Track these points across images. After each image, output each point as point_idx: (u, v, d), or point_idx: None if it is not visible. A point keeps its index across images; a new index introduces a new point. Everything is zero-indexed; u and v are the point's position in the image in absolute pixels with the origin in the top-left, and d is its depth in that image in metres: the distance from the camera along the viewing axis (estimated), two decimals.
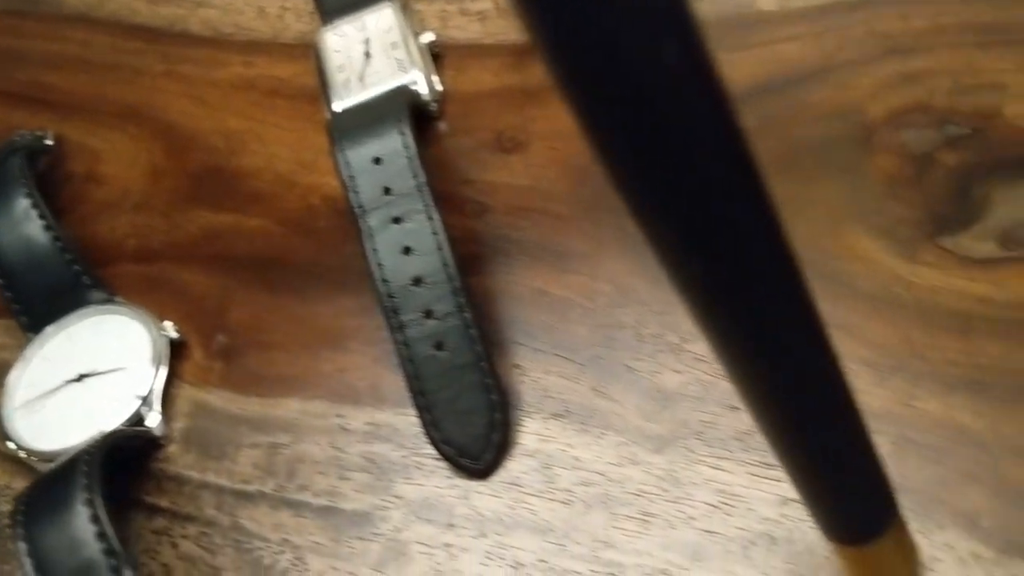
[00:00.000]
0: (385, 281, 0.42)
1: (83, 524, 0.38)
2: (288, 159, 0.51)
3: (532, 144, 0.48)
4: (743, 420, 0.38)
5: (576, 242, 0.45)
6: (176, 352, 0.47)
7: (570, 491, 0.39)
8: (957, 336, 0.38)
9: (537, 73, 0.49)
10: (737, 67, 0.46)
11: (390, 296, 0.42)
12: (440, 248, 0.42)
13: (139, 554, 0.42)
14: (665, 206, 0.19)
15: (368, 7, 0.52)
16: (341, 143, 0.45)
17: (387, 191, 0.43)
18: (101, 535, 0.37)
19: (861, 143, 0.43)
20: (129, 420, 0.44)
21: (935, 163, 0.42)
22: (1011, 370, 0.37)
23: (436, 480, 0.41)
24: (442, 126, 0.50)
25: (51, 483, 0.40)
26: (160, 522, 0.43)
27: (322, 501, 0.41)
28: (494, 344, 0.43)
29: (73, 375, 0.46)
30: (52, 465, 0.42)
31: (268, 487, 0.42)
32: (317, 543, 0.41)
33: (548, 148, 0.47)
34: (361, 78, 0.49)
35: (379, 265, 0.42)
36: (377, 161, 0.44)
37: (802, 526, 0.36)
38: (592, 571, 0.37)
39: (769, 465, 0.37)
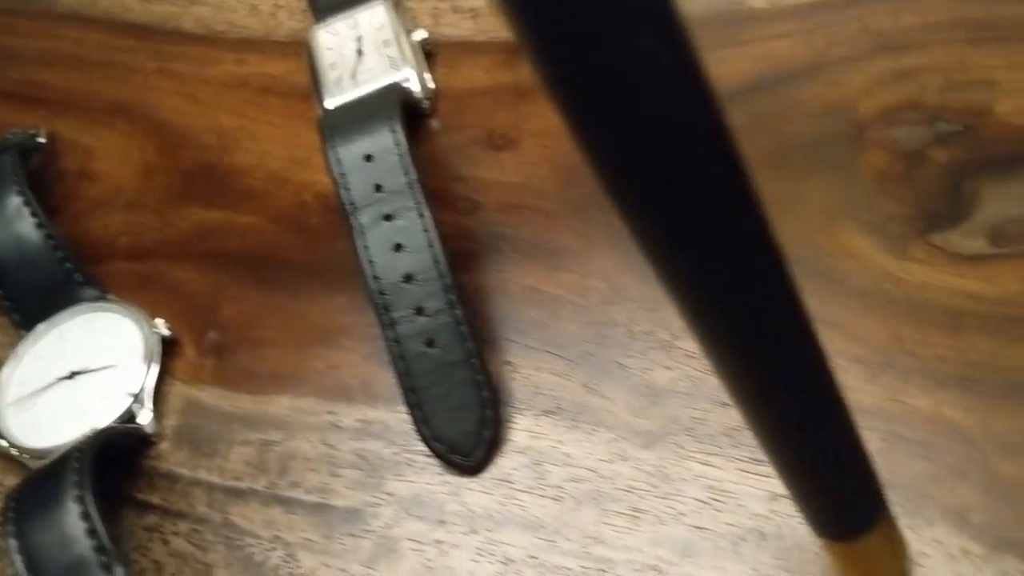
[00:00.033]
0: (376, 278, 0.42)
1: (74, 521, 0.38)
2: (280, 156, 0.51)
3: (524, 142, 0.48)
4: (733, 416, 0.38)
5: (567, 239, 0.45)
6: (168, 349, 0.46)
7: (561, 487, 0.39)
8: (947, 332, 0.38)
9: (529, 71, 0.49)
10: (728, 64, 0.46)
11: (381, 293, 0.42)
12: (431, 245, 0.42)
13: (130, 551, 0.42)
14: (648, 200, 0.19)
15: (361, 5, 0.52)
16: (332, 140, 0.45)
17: (378, 188, 0.43)
18: (92, 532, 0.37)
19: (852, 140, 0.43)
20: (121, 417, 0.44)
21: (926, 160, 0.42)
22: (1001, 366, 0.37)
23: (427, 477, 0.41)
24: (434, 123, 0.50)
25: (42, 480, 0.40)
26: (151, 519, 0.43)
27: (313, 498, 0.41)
28: (485, 341, 0.43)
29: (65, 372, 0.46)
30: (43, 462, 0.42)
31: (260, 484, 0.42)
32: (308, 540, 0.41)
33: (540, 146, 0.47)
34: (353, 75, 0.49)
35: (370, 262, 0.42)
36: (368, 158, 0.44)
37: (791, 522, 0.36)
38: (582, 567, 0.37)
39: (758, 461, 0.37)
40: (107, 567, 0.37)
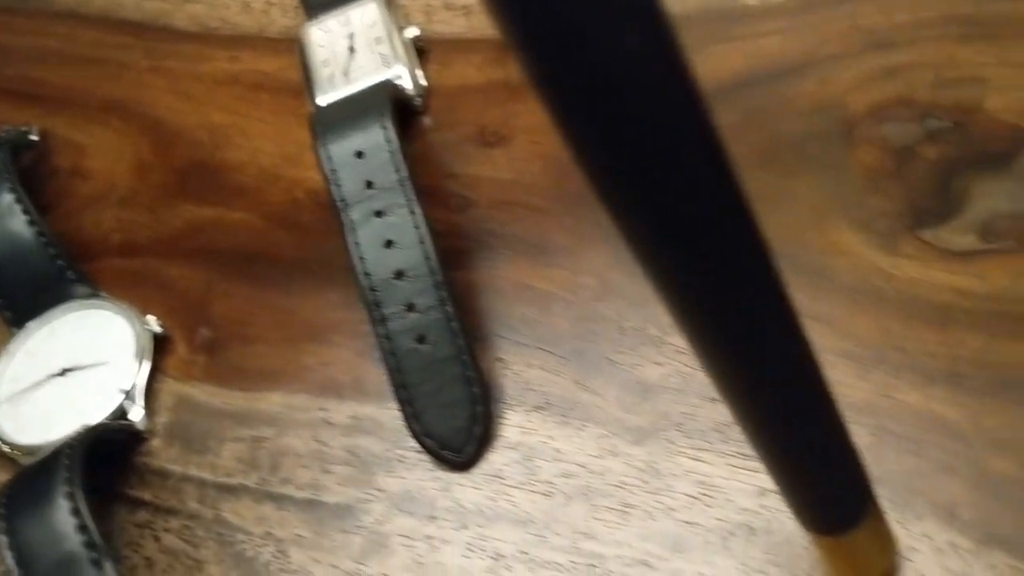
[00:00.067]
0: (367, 274, 0.42)
1: (64, 517, 0.38)
2: (272, 153, 0.51)
3: (515, 138, 0.48)
4: (722, 412, 0.38)
5: (558, 236, 0.45)
6: (160, 346, 0.47)
7: (551, 483, 0.39)
8: (937, 328, 0.38)
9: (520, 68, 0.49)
10: (719, 61, 0.46)
11: (372, 289, 0.42)
12: (422, 242, 0.42)
13: (122, 547, 0.42)
14: (634, 198, 0.19)
15: (353, 2, 0.52)
16: (324, 137, 0.45)
17: (369, 185, 0.44)
18: (82, 528, 0.37)
19: (843, 137, 0.43)
20: (112, 414, 0.44)
21: (916, 156, 0.42)
22: (991, 362, 0.38)
23: (418, 473, 0.41)
24: (426, 120, 0.50)
25: (33, 476, 0.40)
26: (143, 515, 0.43)
27: (305, 494, 0.42)
28: (476, 337, 0.43)
29: (56, 369, 0.46)
30: (35, 459, 0.42)
31: (251, 480, 0.42)
32: (300, 536, 0.41)
33: (531, 142, 0.48)
34: (345, 73, 0.49)
35: (361, 258, 0.42)
36: (359, 155, 0.44)
37: (781, 516, 0.36)
38: (572, 562, 0.37)
39: (748, 456, 0.37)
40: (97, 563, 0.37)
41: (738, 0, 0.48)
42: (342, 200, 0.43)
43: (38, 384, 0.45)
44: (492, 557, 0.38)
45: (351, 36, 0.51)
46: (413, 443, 0.41)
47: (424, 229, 0.43)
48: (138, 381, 0.45)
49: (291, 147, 0.51)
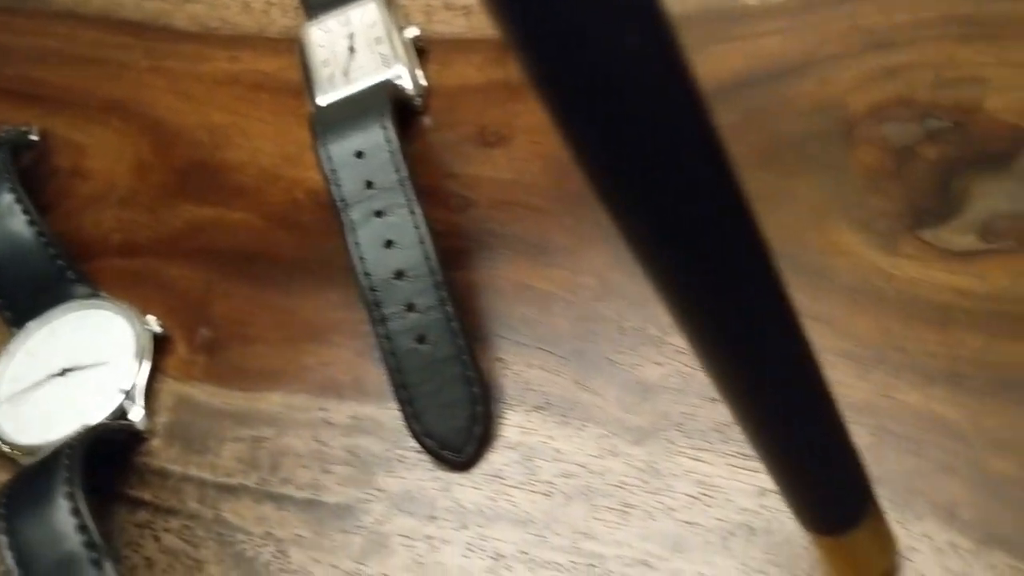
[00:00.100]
0: (367, 274, 0.42)
1: (64, 517, 0.38)
2: (272, 153, 0.51)
3: (515, 138, 0.48)
4: (722, 412, 0.38)
5: (558, 236, 0.45)
6: (160, 346, 0.47)
7: (551, 483, 0.39)
8: (937, 328, 0.38)
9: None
10: (719, 61, 0.46)
11: (372, 289, 0.42)
12: (422, 241, 0.42)
13: (122, 547, 0.42)
14: (634, 198, 0.19)
15: (353, 2, 0.52)
16: (324, 137, 0.45)
17: (369, 185, 0.44)
18: (82, 528, 0.37)
19: (843, 137, 0.43)
20: (112, 414, 0.44)
21: (916, 156, 0.42)
22: (990, 362, 0.38)
23: (418, 473, 0.41)
24: (426, 120, 0.50)
25: (33, 476, 0.40)
26: (143, 515, 0.43)
27: (305, 494, 0.42)
28: (476, 337, 0.43)
29: (56, 369, 0.46)
30: (35, 459, 0.42)
31: (251, 480, 0.42)
32: (300, 536, 0.41)
33: (531, 142, 0.48)
34: (345, 72, 0.49)
35: (361, 258, 0.42)
36: (359, 155, 0.44)
37: (781, 516, 0.36)
38: (572, 562, 0.37)
39: (748, 456, 0.37)
40: (97, 563, 0.37)
41: (738, 0, 0.48)
42: (342, 200, 0.43)
43: (38, 384, 0.45)
44: (492, 557, 0.38)
45: (351, 36, 0.51)
46: (413, 443, 0.41)
47: (424, 229, 0.43)
48: (138, 381, 0.45)
49: (291, 147, 0.51)
